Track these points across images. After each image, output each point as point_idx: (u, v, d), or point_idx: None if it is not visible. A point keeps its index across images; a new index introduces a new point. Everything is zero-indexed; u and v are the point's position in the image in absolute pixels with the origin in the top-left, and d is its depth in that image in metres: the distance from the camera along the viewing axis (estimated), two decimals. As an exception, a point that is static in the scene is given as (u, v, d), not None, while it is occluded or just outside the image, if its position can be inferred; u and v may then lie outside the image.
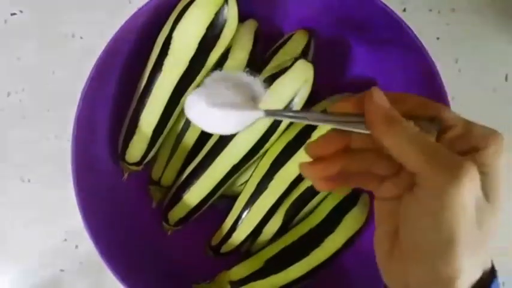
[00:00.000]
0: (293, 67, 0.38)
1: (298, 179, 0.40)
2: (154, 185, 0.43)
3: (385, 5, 0.37)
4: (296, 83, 0.38)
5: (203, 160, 0.40)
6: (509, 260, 0.47)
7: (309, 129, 0.39)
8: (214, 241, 0.42)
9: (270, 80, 0.38)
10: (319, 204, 0.43)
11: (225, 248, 0.42)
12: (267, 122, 0.38)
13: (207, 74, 0.35)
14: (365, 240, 0.42)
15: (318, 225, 0.41)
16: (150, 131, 0.39)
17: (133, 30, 0.38)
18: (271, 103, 0.38)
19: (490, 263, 0.26)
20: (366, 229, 0.42)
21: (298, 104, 0.38)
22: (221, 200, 0.43)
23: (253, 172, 0.41)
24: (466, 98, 0.47)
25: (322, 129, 0.39)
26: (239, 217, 0.41)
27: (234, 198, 0.42)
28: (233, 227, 0.41)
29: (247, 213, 0.40)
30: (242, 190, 0.42)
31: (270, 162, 0.40)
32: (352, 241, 0.41)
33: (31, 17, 0.49)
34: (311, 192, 0.42)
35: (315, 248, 0.41)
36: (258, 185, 0.40)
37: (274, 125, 0.38)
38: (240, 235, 0.41)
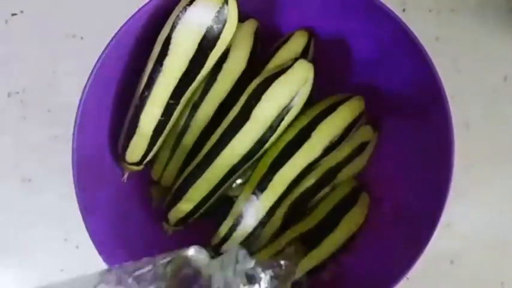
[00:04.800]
0: (293, 67, 0.38)
1: (298, 179, 0.40)
2: (154, 185, 0.43)
3: (385, 5, 0.37)
4: (296, 83, 0.38)
5: (203, 160, 0.40)
6: (509, 260, 0.47)
7: (309, 129, 0.39)
8: (214, 241, 0.42)
9: (270, 80, 0.38)
10: (318, 203, 0.43)
11: (225, 248, 0.42)
12: (267, 122, 0.38)
13: None
14: (364, 240, 0.42)
15: (317, 226, 0.41)
16: (150, 131, 0.39)
17: (133, 31, 0.38)
18: (271, 104, 0.38)
19: None
20: (365, 229, 0.42)
21: (298, 104, 0.38)
22: (221, 200, 0.43)
23: (253, 172, 0.41)
24: (466, 98, 0.47)
25: (322, 129, 0.39)
26: (239, 217, 0.41)
27: (234, 198, 0.42)
28: (233, 227, 0.41)
29: (247, 213, 0.40)
30: (242, 190, 0.42)
31: (270, 162, 0.40)
32: (351, 241, 0.41)
33: (32, 18, 0.49)
34: (311, 192, 0.42)
35: (314, 249, 0.40)
36: (258, 185, 0.40)
37: (274, 125, 0.39)
38: (240, 235, 0.41)
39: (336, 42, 0.43)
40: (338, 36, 0.42)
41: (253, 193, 0.40)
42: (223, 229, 0.42)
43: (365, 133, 0.42)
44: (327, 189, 0.43)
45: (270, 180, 0.40)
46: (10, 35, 0.49)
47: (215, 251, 0.42)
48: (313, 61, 0.39)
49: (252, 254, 0.42)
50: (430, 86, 0.37)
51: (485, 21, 0.49)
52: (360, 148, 0.42)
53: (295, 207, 0.42)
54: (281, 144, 0.40)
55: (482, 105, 0.48)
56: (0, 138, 0.48)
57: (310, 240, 0.41)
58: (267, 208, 0.40)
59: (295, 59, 0.39)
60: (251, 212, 0.40)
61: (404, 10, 0.49)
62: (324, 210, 0.42)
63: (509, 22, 0.49)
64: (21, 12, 0.49)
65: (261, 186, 0.40)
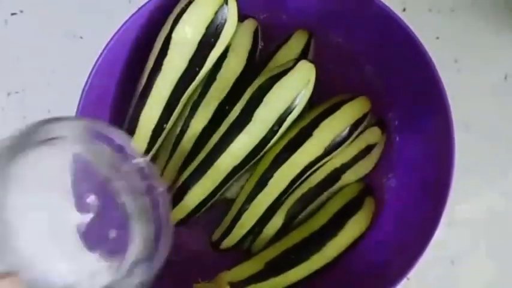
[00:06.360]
0: (295, 68, 0.38)
1: (299, 178, 0.40)
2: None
3: (385, 5, 0.37)
4: (298, 84, 0.38)
5: (204, 161, 0.40)
6: (509, 261, 0.47)
7: (311, 127, 0.39)
8: (215, 236, 0.42)
9: (272, 81, 0.38)
10: (322, 205, 0.43)
11: (225, 244, 0.42)
12: (269, 124, 0.38)
13: None
14: (368, 243, 0.42)
15: (321, 229, 0.41)
16: (150, 131, 0.39)
17: (133, 30, 0.38)
18: (274, 105, 0.38)
19: None
20: (369, 232, 0.42)
21: (300, 105, 0.38)
22: (221, 201, 0.43)
23: (253, 170, 0.41)
24: (466, 98, 0.47)
25: (324, 127, 0.39)
26: (239, 213, 0.41)
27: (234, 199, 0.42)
28: (233, 223, 0.41)
29: (247, 209, 0.40)
30: (243, 187, 0.41)
31: (271, 159, 0.40)
32: (355, 245, 0.41)
33: (31, 17, 0.49)
34: (314, 193, 0.42)
35: (317, 252, 0.40)
36: (258, 181, 0.40)
37: (276, 127, 0.38)
38: (239, 231, 0.41)
39: (335, 42, 0.43)
40: (338, 36, 0.42)
41: (254, 190, 0.40)
42: (224, 225, 0.42)
43: (372, 135, 0.41)
44: (330, 191, 0.43)
45: (271, 177, 0.39)
46: (10, 35, 0.49)
47: (215, 247, 0.42)
48: (313, 61, 0.39)
49: (252, 255, 0.42)
50: (430, 86, 0.37)
51: (485, 21, 0.49)
52: (366, 150, 0.41)
53: (298, 207, 0.42)
54: (283, 142, 0.40)
55: (482, 105, 0.48)
56: (0, 138, 0.48)
57: (313, 244, 0.41)
58: (267, 205, 0.40)
59: (297, 60, 0.38)
60: (251, 208, 0.40)
61: (404, 10, 0.49)
62: (328, 214, 0.41)
63: (509, 21, 0.49)
64: (21, 12, 0.49)
65: (262, 183, 0.40)
